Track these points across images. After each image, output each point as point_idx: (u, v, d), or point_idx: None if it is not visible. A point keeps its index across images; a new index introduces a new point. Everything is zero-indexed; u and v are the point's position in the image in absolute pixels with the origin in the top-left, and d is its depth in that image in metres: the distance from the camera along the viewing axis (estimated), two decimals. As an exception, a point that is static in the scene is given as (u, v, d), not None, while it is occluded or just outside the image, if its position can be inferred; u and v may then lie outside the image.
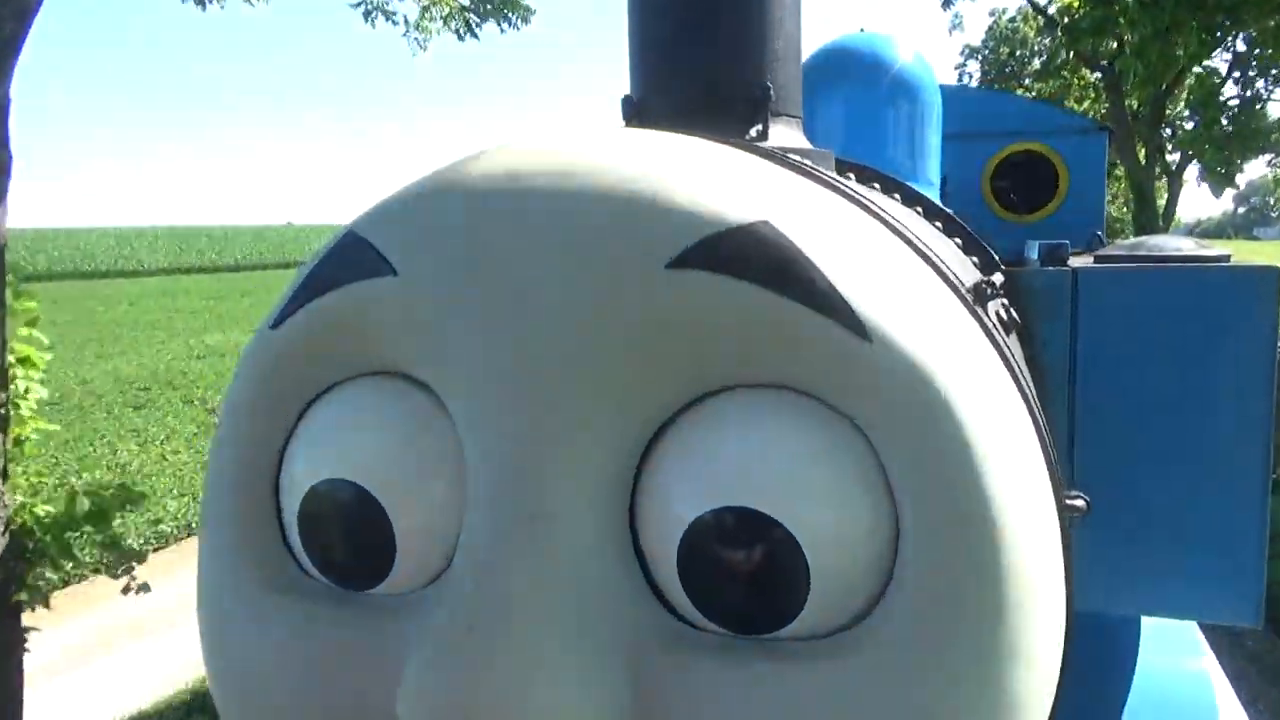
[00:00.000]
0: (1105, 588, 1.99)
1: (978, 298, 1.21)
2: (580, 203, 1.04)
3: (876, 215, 1.18)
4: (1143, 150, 23.65)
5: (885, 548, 0.99)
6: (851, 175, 1.93)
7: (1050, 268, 2.01)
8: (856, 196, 1.20)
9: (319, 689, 1.09)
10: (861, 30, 3.37)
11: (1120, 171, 27.71)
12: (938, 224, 2.00)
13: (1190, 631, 2.89)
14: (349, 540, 1.14)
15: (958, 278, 1.20)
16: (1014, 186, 4.19)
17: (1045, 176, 4.13)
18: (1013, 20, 32.48)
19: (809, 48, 3.40)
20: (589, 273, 1.01)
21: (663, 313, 0.99)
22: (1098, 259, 2.13)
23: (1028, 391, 1.16)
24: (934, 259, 1.16)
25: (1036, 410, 1.17)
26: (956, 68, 32.69)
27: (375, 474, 1.10)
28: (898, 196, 2.00)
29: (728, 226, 1.00)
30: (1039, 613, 1.02)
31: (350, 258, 1.16)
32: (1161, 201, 24.64)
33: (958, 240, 1.99)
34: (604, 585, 0.99)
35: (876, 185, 1.99)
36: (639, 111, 1.55)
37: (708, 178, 1.06)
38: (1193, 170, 31.60)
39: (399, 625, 1.05)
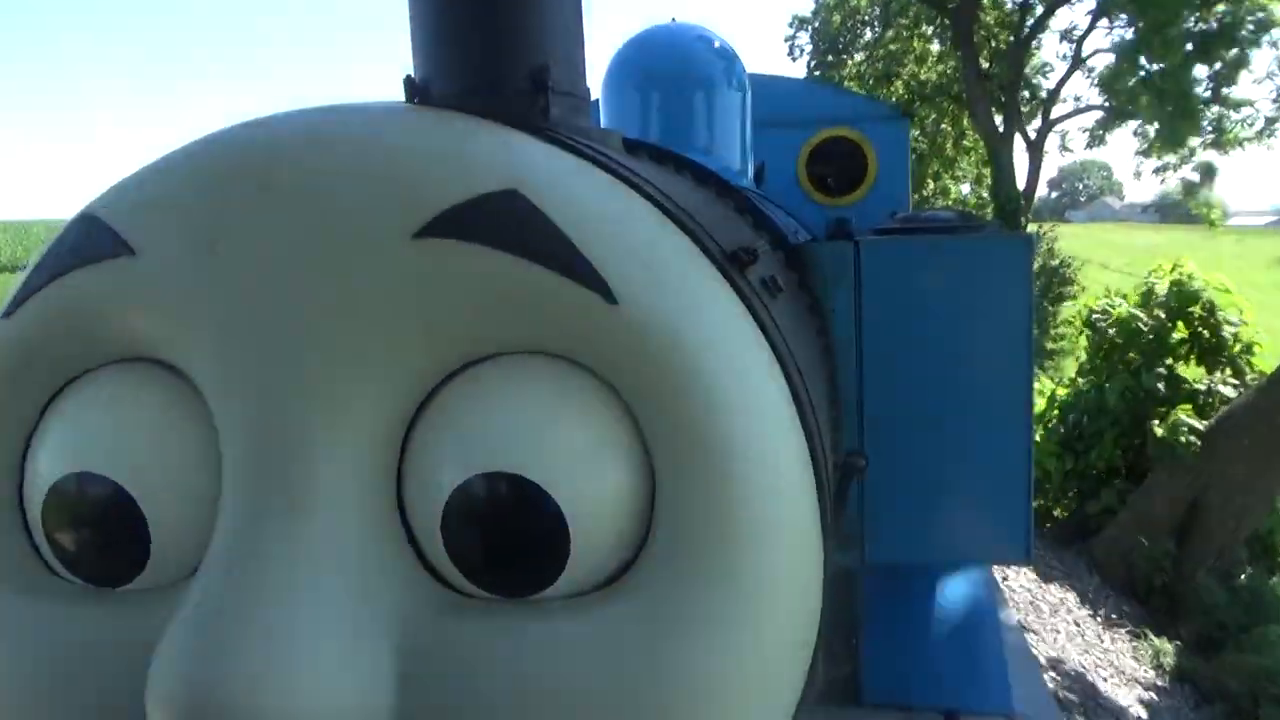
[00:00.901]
0: (893, 538, 2.16)
1: (734, 262, 1.26)
2: (326, 175, 1.02)
3: (635, 186, 1.21)
4: (999, 116, 21.43)
5: (643, 504, 1.02)
6: (645, 154, 1.98)
7: (836, 240, 2.15)
8: (614, 167, 1.22)
9: (62, 690, 1.05)
10: (673, 20, 3.47)
11: (971, 141, 25.96)
12: (729, 203, 2.06)
13: (983, 576, 3.17)
14: (99, 536, 1.10)
15: (717, 245, 1.25)
16: (828, 171, 4.47)
17: (855, 161, 4.43)
18: None
19: (622, 38, 3.48)
20: (336, 246, 0.99)
21: (412, 283, 0.99)
22: (877, 232, 2.29)
23: (782, 348, 1.22)
24: (688, 224, 1.20)
25: (791, 366, 1.22)
26: (786, 39, 31.16)
27: (125, 465, 1.06)
28: (687, 174, 2.07)
29: (475, 195, 1.01)
30: (789, 558, 1.08)
31: (86, 239, 1.10)
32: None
33: (749, 218, 2.07)
34: (366, 562, 0.98)
35: (670, 165, 2.04)
36: (421, 92, 1.57)
37: (457, 148, 1.07)
38: (1053, 140, 28.35)
39: (154, 619, 1.01)
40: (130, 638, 1.03)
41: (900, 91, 25.29)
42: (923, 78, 25.63)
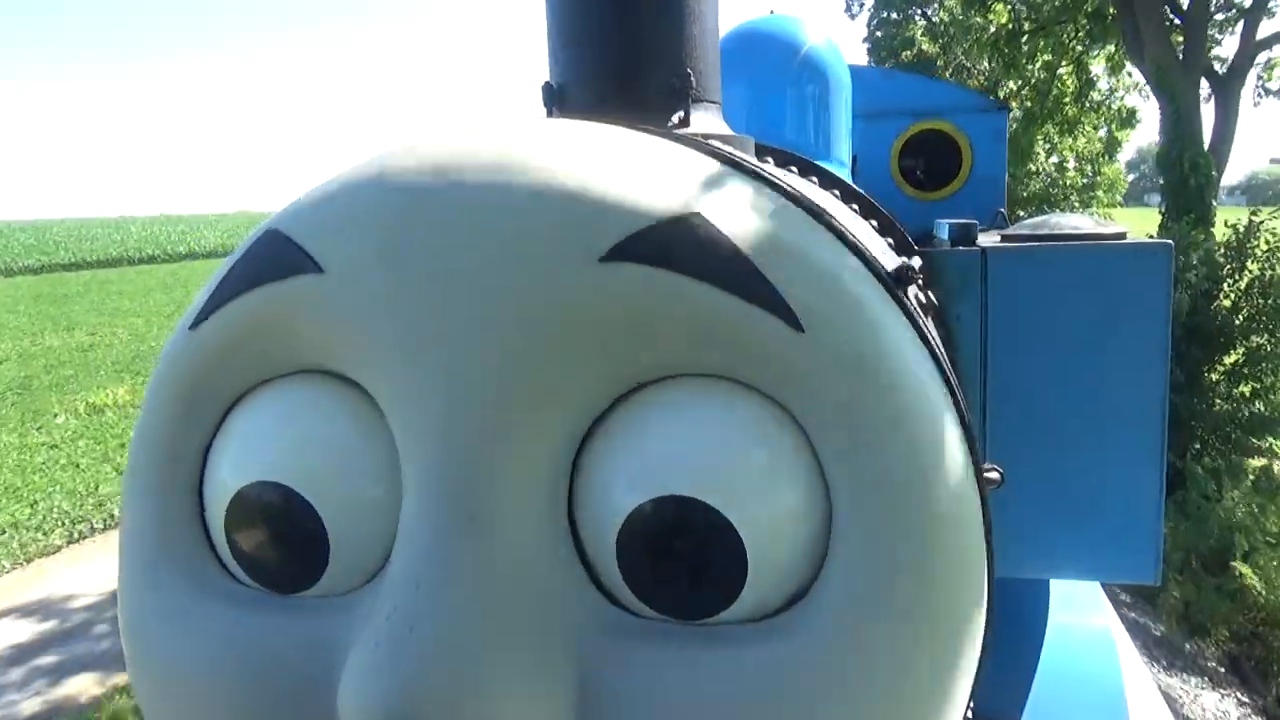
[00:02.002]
0: (1017, 553, 2.12)
1: (899, 282, 1.26)
2: (511, 197, 1.04)
3: (801, 203, 1.22)
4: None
5: (819, 532, 1.03)
6: (770, 160, 1.98)
7: (961, 248, 2.11)
8: (781, 185, 1.24)
9: (247, 694, 1.08)
10: (771, 13, 3.44)
11: (1102, 93, 19.18)
12: (854, 206, 2.07)
13: (1094, 591, 3.10)
14: (279, 543, 1.13)
15: (880, 263, 1.26)
16: (920, 165, 4.38)
17: (950, 155, 4.34)
18: None
19: (720, 31, 3.44)
20: (522, 268, 1.01)
21: (597, 306, 1.01)
22: (1005, 238, 2.24)
23: (948, 373, 1.22)
24: (858, 245, 1.21)
25: (956, 391, 1.23)
26: None
27: (306, 475, 1.09)
28: (815, 179, 2.06)
29: (660, 219, 1.02)
30: (967, 584, 1.09)
31: (272, 255, 1.14)
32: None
33: (874, 222, 2.07)
34: (545, 581, 1.01)
35: (794, 169, 2.05)
36: (559, 99, 1.56)
37: (637, 170, 1.08)
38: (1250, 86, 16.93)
39: (332, 627, 1.05)
40: (312, 640, 1.07)
41: (1002, 19, 17.90)
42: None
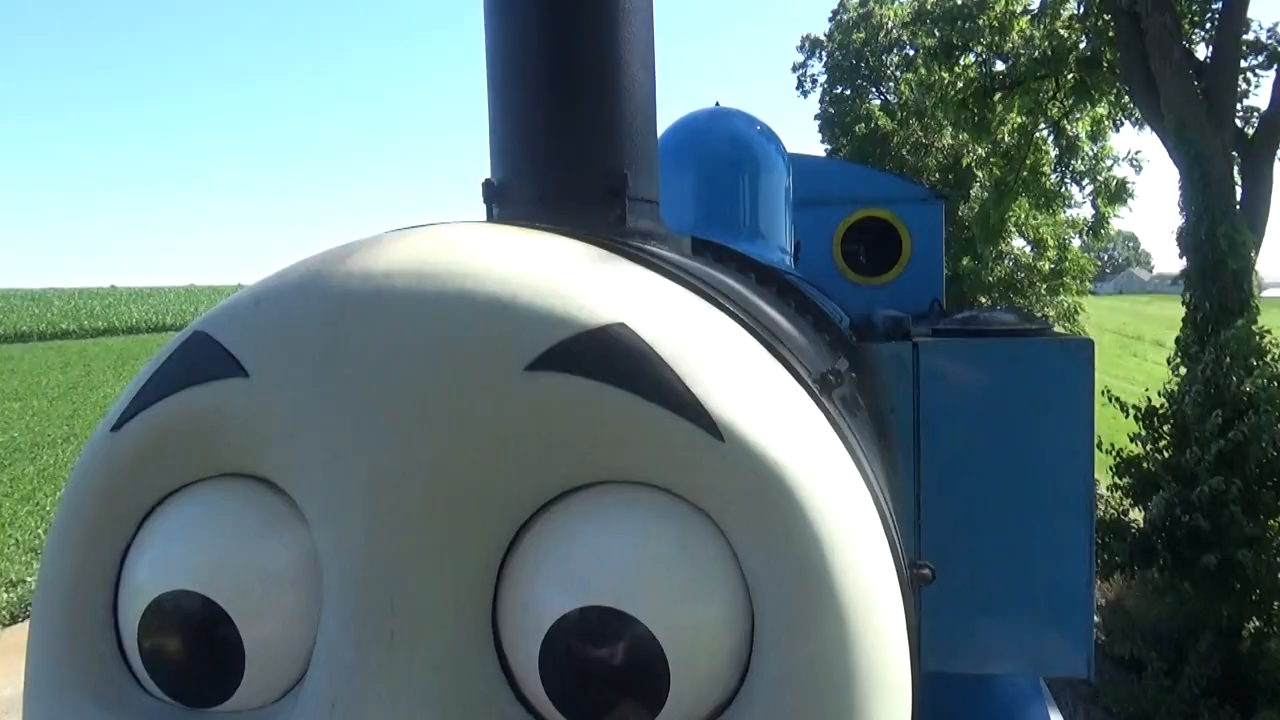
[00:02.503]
0: (951, 648, 2.14)
1: (824, 387, 1.29)
2: (439, 306, 1.05)
3: (729, 310, 1.25)
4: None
5: (742, 641, 1.03)
6: (708, 255, 2.03)
7: (893, 342, 2.18)
8: (710, 293, 1.26)
9: None
10: (716, 104, 3.59)
11: (1085, 162, 15.96)
12: (791, 303, 2.11)
13: (1036, 684, 3.13)
14: (193, 654, 1.10)
15: (805, 368, 1.29)
16: (862, 250, 4.60)
17: (890, 242, 4.56)
18: (864, 2, 24.87)
19: (665, 121, 3.58)
20: (448, 377, 1.02)
21: (522, 416, 1.02)
22: (936, 332, 2.32)
23: (870, 474, 1.23)
24: (783, 352, 1.24)
25: (879, 491, 1.24)
26: (795, 69, 26.52)
27: (224, 583, 1.08)
28: (752, 276, 2.10)
29: (585, 329, 1.04)
30: (890, 687, 1.09)
31: (198, 357, 1.14)
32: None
33: (809, 317, 2.10)
34: (465, 697, 1.00)
35: (733, 265, 2.09)
36: (500, 196, 1.57)
37: (565, 279, 1.10)
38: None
39: None
40: None
41: (971, 74, 14.69)
42: (1011, 45, 14.34)
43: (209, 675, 1.09)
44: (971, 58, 15.22)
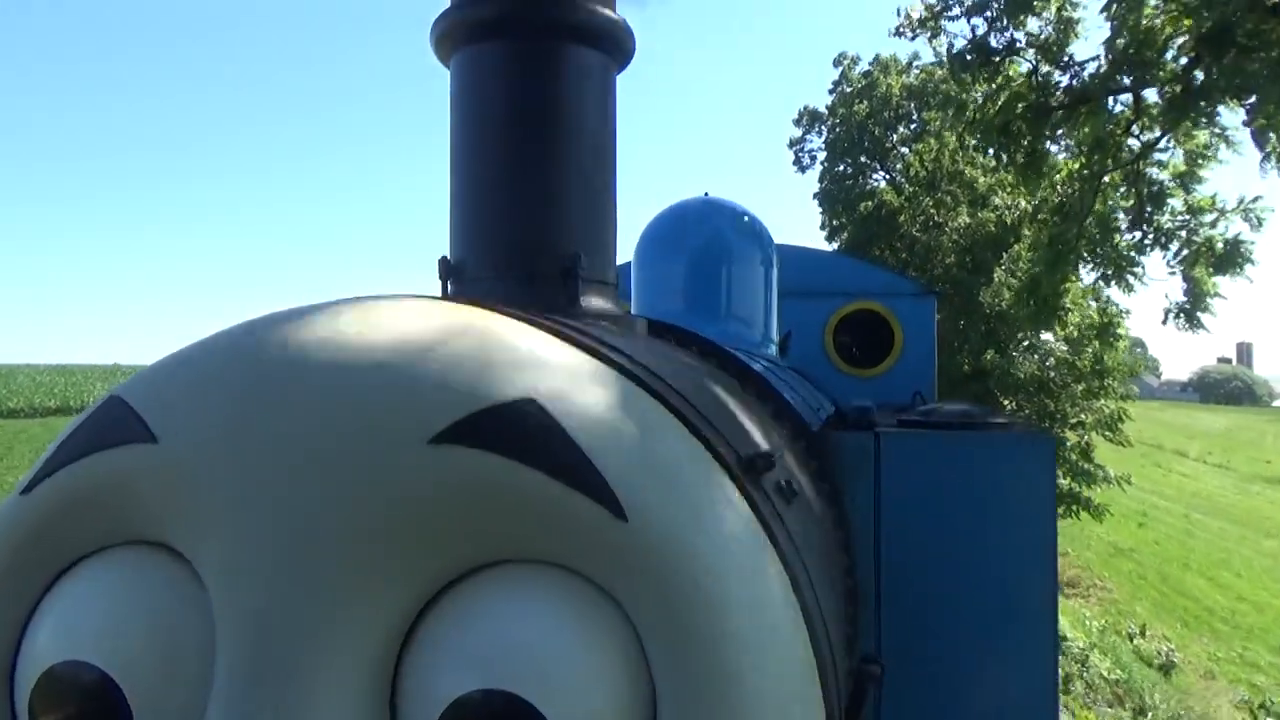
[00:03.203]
0: None
1: (749, 470, 1.35)
2: (350, 378, 1.13)
3: (653, 391, 1.32)
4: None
5: None
6: (671, 338, 2.21)
7: (855, 431, 2.30)
8: (635, 373, 1.34)
9: None
10: (706, 194, 3.78)
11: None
12: (751, 390, 2.24)
13: None
14: None
15: (734, 451, 1.36)
16: (855, 342, 4.94)
17: (881, 335, 4.89)
18: (867, 73, 23.77)
19: (657, 208, 3.79)
20: (352, 449, 1.08)
21: (426, 488, 1.08)
22: (900, 423, 2.42)
23: (793, 561, 1.29)
24: (707, 435, 1.31)
25: (801, 578, 1.30)
26: (791, 144, 25.42)
27: (119, 655, 1.12)
28: (713, 361, 2.25)
29: (492, 403, 1.11)
30: None
31: (109, 422, 1.21)
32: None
33: (770, 405, 2.24)
34: None
35: (694, 349, 2.26)
36: (455, 273, 1.69)
37: (479, 354, 1.18)
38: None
39: None
40: None
41: (1020, 86, 10.63)
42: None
43: None
44: (1022, 65, 10.92)
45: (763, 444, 1.63)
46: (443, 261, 1.69)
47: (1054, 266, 12.19)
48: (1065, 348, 20.06)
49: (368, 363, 1.14)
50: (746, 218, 3.72)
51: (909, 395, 4.19)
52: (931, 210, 22.03)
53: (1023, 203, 18.08)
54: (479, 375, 1.13)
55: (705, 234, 3.59)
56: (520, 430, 1.09)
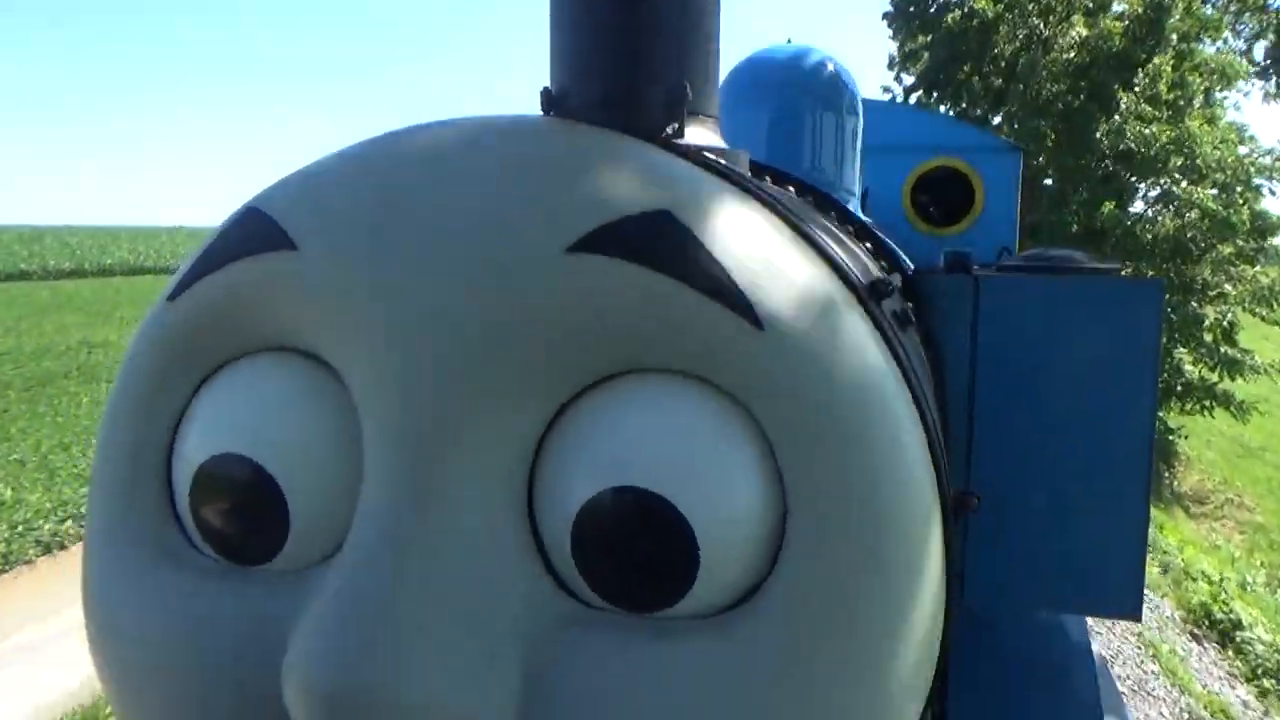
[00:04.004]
0: (992, 583, 2.38)
1: (872, 293, 1.43)
2: (484, 187, 1.22)
3: (778, 212, 1.40)
4: None
5: (773, 530, 1.19)
6: (767, 178, 2.33)
7: (953, 274, 2.43)
8: (759, 193, 1.41)
9: (199, 661, 1.24)
10: (789, 41, 3.80)
11: None
12: (849, 228, 2.48)
13: (1082, 625, 3.37)
14: (241, 515, 1.31)
15: (855, 275, 1.44)
16: (933, 201, 5.11)
17: (962, 192, 5.03)
18: None
19: (737, 57, 3.77)
20: (490, 257, 1.18)
21: (562, 297, 1.17)
22: (999, 268, 2.58)
23: (916, 384, 1.37)
24: (831, 256, 1.39)
25: (924, 402, 1.39)
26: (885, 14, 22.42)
27: (271, 450, 1.26)
28: (810, 200, 2.44)
29: (627, 214, 1.18)
30: (917, 596, 1.22)
31: (249, 232, 1.31)
32: None
33: (868, 244, 2.49)
34: (498, 569, 1.16)
35: (791, 189, 2.43)
36: (557, 104, 1.71)
37: (612, 168, 1.26)
38: None
39: (288, 601, 1.21)
40: (264, 614, 1.23)
41: None
42: None
43: (255, 536, 1.29)
44: None
45: (876, 273, 1.65)
46: (544, 92, 1.71)
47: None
48: (1215, 193, 17.32)
49: (504, 173, 1.24)
50: (831, 66, 3.89)
51: (991, 254, 4.25)
52: (1036, 21, 18.83)
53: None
54: (612, 187, 1.22)
55: (790, 81, 3.72)
56: (655, 239, 1.18)
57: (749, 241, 1.25)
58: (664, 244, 1.17)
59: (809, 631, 1.14)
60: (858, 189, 3.95)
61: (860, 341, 1.28)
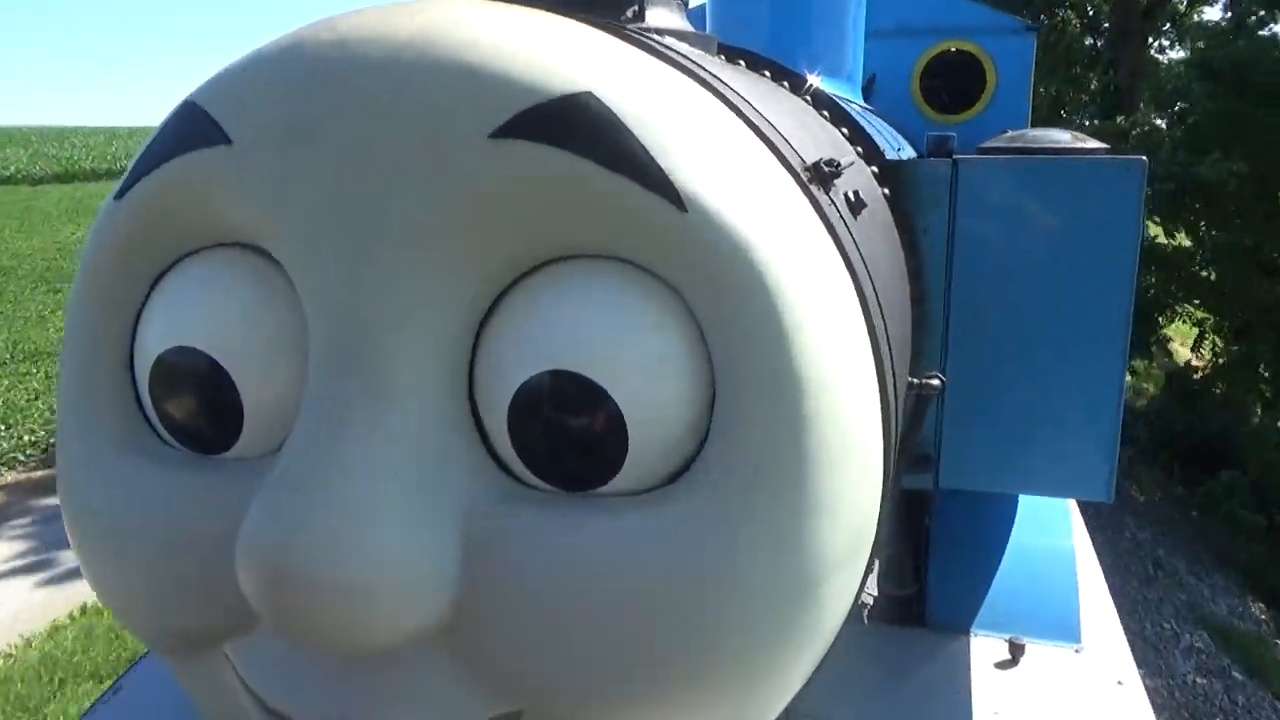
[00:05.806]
0: (969, 464, 2.39)
1: (815, 177, 1.43)
2: (410, 73, 1.21)
3: (717, 92, 1.39)
4: None
5: (703, 410, 1.23)
6: (741, 62, 2.32)
7: (932, 159, 2.45)
8: (696, 72, 1.41)
9: (164, 545, 1.32)
10: None
11: None
12: (825, 113, 2.40)
13: (1064, 513, 3.34)
14: (199, 406, 1.36)
15: (799, 157, 1.45)
16: (944, 86, 4.97)
17: (973, 77, 4.90)
18: None
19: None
20: (417, 143, 1.19)
21: (489, 182, 1.18)
22: (979, 150, 2.46)
23: (859, 270, 1.39)
24: (771, 138, 1.39)
25: (867, 288, 1.40)
26: None
27: (223, 343, 1.30)
28: (784, 83, 2.38)
29: (550, 97, 1.18)
30: (847, 474, 1.26)
31: (186, 127, 1.32)
32: None
33: (844, 129, 2.40)
34: (438, 445, 1.21)
35: (767, 73, 2.39)
36: None
37: (537, 49, 1.24)
38: None
39: (245, 487, 1.25)
40: (224, 500, 1.28)
41: None
42: None
43: (212, 426, 1.35)
44: None
45: (831, 154, 1.65)
46: None
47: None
48: None
49: (427, 59, 1.22)
50: None
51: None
52: None
53: None
54: (538, 70, 1.21)
55: None
56: (578, 124, 1.17)
57: (676, 122, 1.23)
58: (586, 128, 1.16)
59: (734, 506, 1.16)
60: (859, 75, 3.86)
61: (791, 224, 1.27)
